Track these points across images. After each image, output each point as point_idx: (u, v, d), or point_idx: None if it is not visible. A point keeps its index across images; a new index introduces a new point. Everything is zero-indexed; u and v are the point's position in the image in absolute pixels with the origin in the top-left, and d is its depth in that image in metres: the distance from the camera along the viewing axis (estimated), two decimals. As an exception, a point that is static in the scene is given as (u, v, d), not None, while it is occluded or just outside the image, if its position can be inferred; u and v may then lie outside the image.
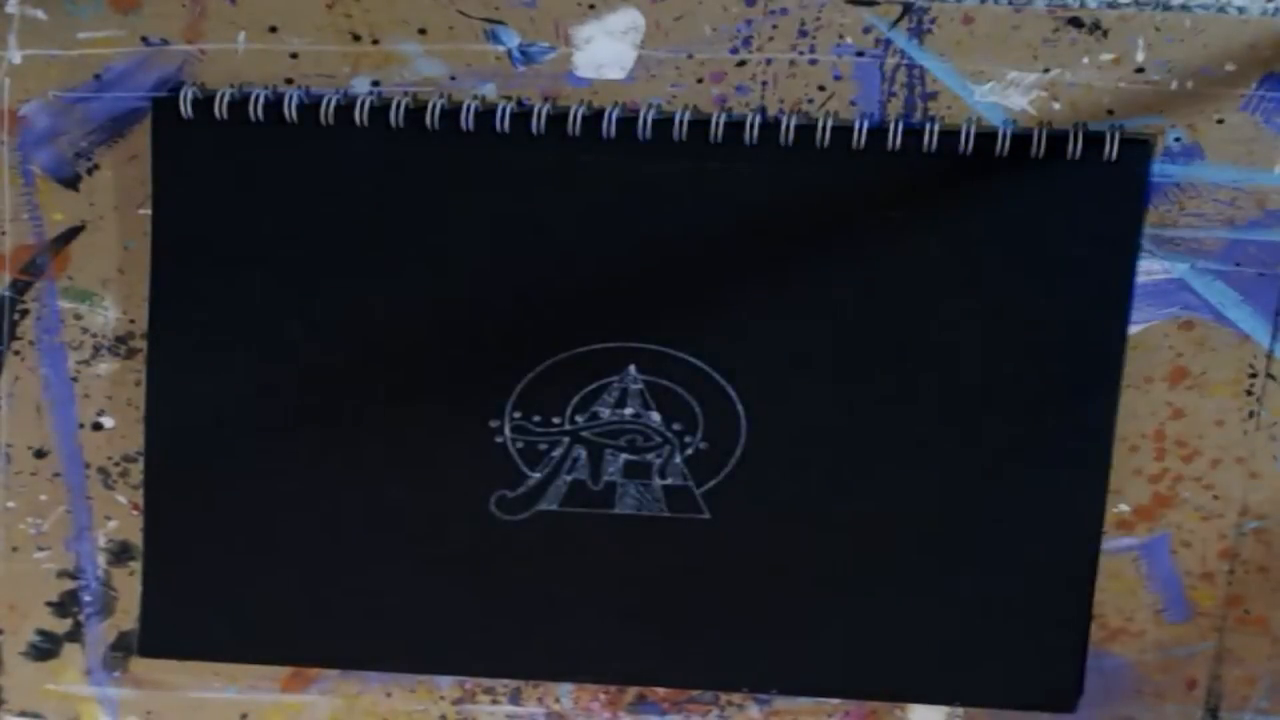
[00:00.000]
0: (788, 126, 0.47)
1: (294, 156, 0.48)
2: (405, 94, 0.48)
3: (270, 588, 0.51)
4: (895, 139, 0.46)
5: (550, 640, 0.51)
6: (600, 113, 0.47)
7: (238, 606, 0.51)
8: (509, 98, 0.48)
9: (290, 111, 0.48)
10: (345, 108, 0.48)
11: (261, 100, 0.48)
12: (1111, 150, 0.46)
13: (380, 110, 0.48)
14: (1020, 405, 0.48)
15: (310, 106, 0.48)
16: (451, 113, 0.47)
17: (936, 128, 0.46)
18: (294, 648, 0.52)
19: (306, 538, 0.50)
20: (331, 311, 0.49)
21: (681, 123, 0.47)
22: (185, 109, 0.48)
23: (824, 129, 0.46)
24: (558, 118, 0.47)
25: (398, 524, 0.50)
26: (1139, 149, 0.46)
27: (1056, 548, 0.49)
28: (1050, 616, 0.49)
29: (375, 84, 0.48)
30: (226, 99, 0.48)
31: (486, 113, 0.47)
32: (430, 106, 0.47)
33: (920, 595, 0.49)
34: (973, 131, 0.46)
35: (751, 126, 0.47)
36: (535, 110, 0.47)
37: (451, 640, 0.51)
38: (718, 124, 0.47)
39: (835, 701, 0.52)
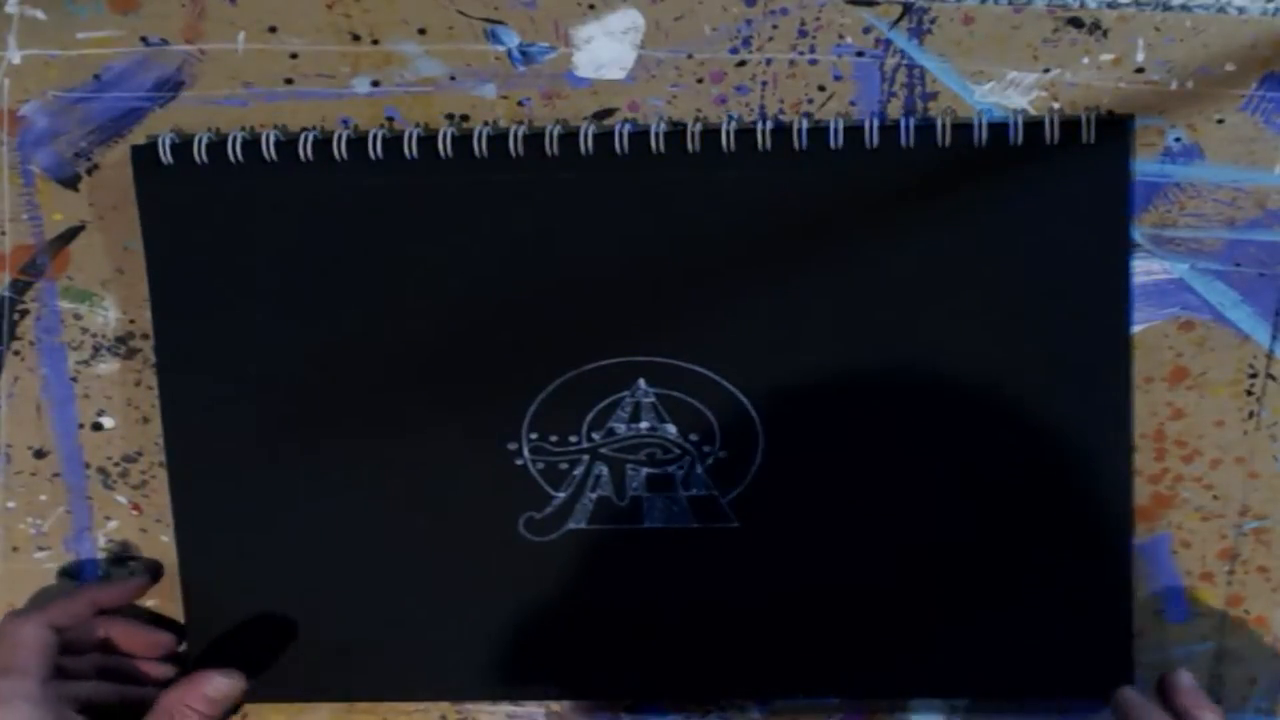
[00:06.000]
0: (799, 130, 0.46)
1: (283, 191, 0.48)
2: (381, 130, 0.48)
3: (314, 625, 0.51)
4: (909, 135, 0.46)
5: (590, 659, 0.51)
6: (610, 132, 0.47)
7: (281, 646, 0.51)
8: (506, 97, 0.48)
9: (269, 150, 0.48)
10: (322, 142, 0.48)
11: (239, 141, 0.48)
12: (1126, 139, 0.46)
13: (357, 142, 0.48)
14: (1034, 394, 0.48)
15: (288, 143, 0.48)
16: (462, 140, 0.47)
17: (949, 122, 0.46)
18: (341, 684, 0.52)
19: (341, 576, 0.51)
20: (337, 345, 0.49)
21: (693, 134, 0.47)
22: (164, 155, 0.48)
23: (835, 131, 0.46)
24: (533, 137, 0.47)
25: (431, 554, 0.50)
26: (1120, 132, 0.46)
27: (1088, 536, 0.48)
28: (1091, 606, 0.49)
29: (375, 84, 0.48)
30: (204, 142, 0.48)
31: (463, 138, 0.47)
32: (442, 134, 0.47)
33: (962, 592, 0.49)
34: (984, 122, 0.46)
35: (763, 135, 0.47)
36: (511, 132, 0.47)
37: (493, 665, 0.51)
38: (729, 134, 0.47)
39: (834, 701, 0.52)
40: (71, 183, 0.50)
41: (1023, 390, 0.48)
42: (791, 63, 0.47)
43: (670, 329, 0.48)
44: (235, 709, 0.51)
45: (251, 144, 0.48)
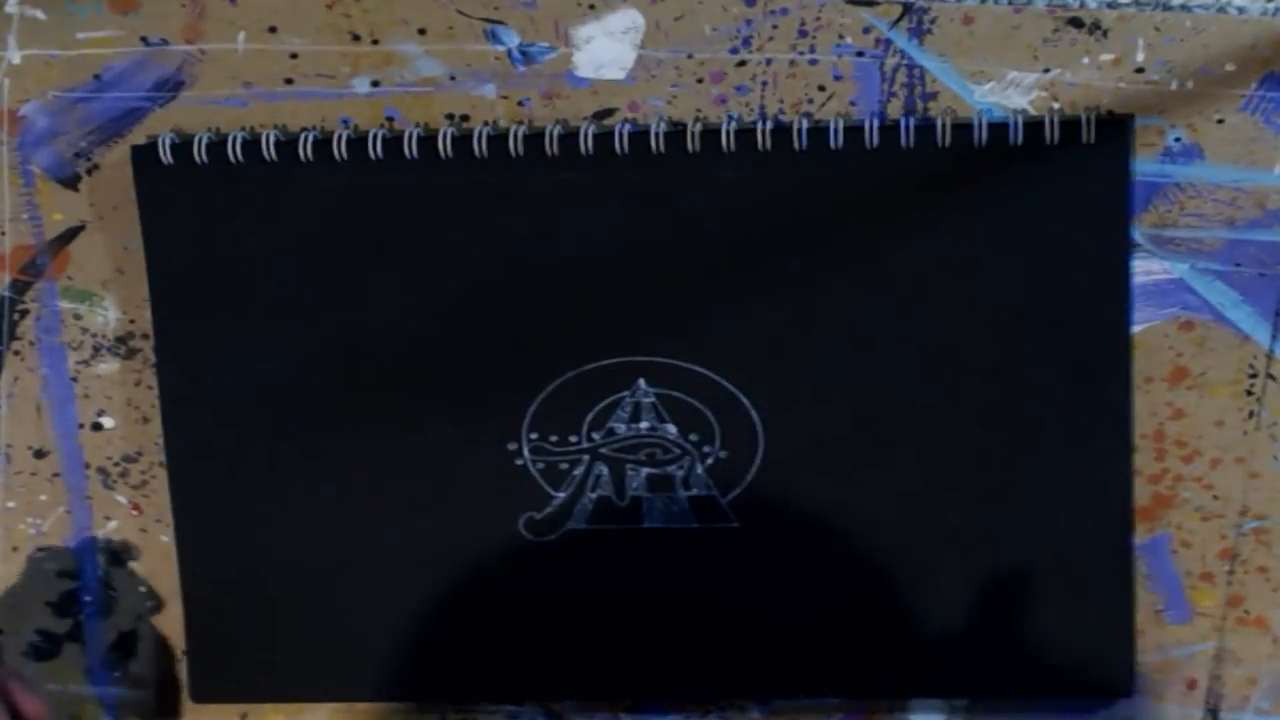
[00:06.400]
0: (799, 130, 0.46)
1: (283, 191, 0.48)
2: (381, 130, 0.48)
3: (314, 625, 0.51)
4: (909, 135, 0.46)
5: (590, 659, 0.51)
6: (610, 132, 0.47)
7: (278, 646, 0.51)
8: (506, 97, 0.48)
9: (269, 150, 0.48)
10: (323, 142, 0.48)
11: (239, 141, 0.48)
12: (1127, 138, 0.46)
13: (357, 142, 0.48)
14: (1034, 393, 0.48)
15: (288, 143, 0.48)
16: (462, 139, 0.47)
17: (949, 122, 0.46)
18: (341, 684, 0.52)
19: (341, 576, 0.51)
20: (337, 345, 0.49)
21: (693, 134, 0.47)
22: (165, 155, 0.48)
23: (835, 131, 0.46)
24: (533, 137, 0.47)
25: (431, 554, 0.50)
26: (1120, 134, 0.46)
27: (1088, 537, 0.48)
28: (1091, 606, 0.49)
29: (375, 84, 0.48)
30: (205, 142, 0.48)
31: (463, 138, 0.47)
32: (442, 134, 0.47)
33: (963, 592, 0.49)
34: (984, 122, 0.46)
35: (763, 135, 0.47)
36: (511, 132, 0.47)
37: (493, 665, 0.51)
38: (729, 134, 0.47)
39: (834, 701, 0.52)
40: (71, 183, 0.50)
41: (1023, 390, 0.48)
42: (791, 63, 0.47)
43: (670, 329, 0.48)
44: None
45: (251, 144, 0.48)
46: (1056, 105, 0.47)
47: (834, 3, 0.47)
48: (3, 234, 0.51)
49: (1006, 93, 0.47)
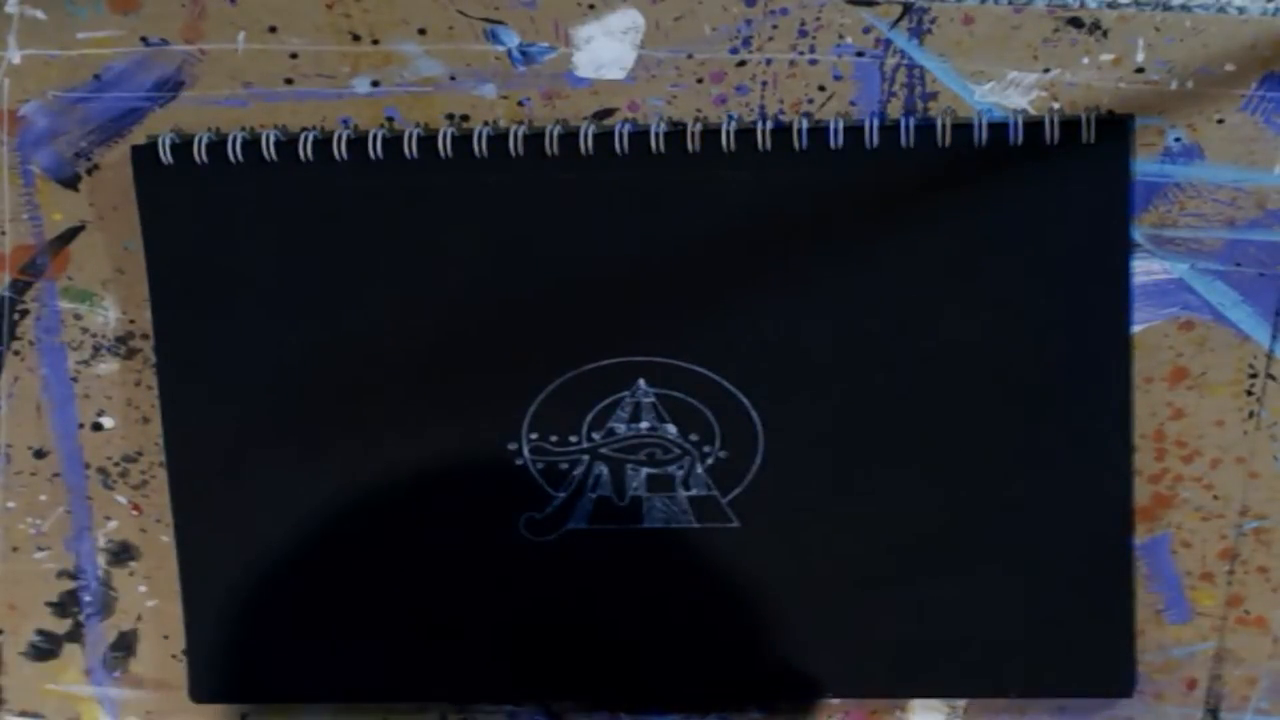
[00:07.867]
0: (799, 130, 0.46)
1: (283, 191, 0.48)
2: (381, 130, 0.48)
3: (313, 625, 0.51)
4: (909, 135, 0.46)
5: (590, 659, 0.51)
6: (610, 132, 0.47)
7: (281, 646, 0.51)
8: (506, 97, 0.48)
9: (269, 150, 0.48)
10: (323, 142, 0.48)
11: (239, 141, 0.48)
12: (1127, 138, 0.46)
13: (357, 142, 0.48)
14: (1034, 393, 0.48)
15: (288, 143, 0.48)
16: (462, 139, 0.47)
17: (949, 122, 0.46)
18: (341, 684, 0.52)
19: (341, 576, 0.51)
20: (337, 345, 0.49)
21: (693, 134, 0.47)
22: (165, 155, 0.48)
23: (835, 131, 0.46)
24: (533, 137, 0.47)
25: (430, 554, 0.50)
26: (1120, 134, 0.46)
27: (1088, 537, 0.48)
28: (1091, 606, 0.49)
29: (375, 84, 0.48)
30: (205, 142, 0.48)
31: (463, 138, 0.47)
32: (442, 134, 0.47)
33: (963, 592, 0.49)
34: (984, 122, 0.46)
35: (763, 135, 0.47)
36: (511, 132, 0.47)
37: (493, 665, 0.51)
38: (729, 134, 0.47)
39: (835, 701, 0.52)
40: (71, 183, 0.50)
41: (1023, 391, 0.48)
42: (791, 63, 0.47)
43: (670, 329, 0.48)
44: None
45: (251, 144, 0.48)
46: (1056, 105, 0.47)
47: (834, 3, 0.47)
48: (3, 234, 0.51)
49: (1006, 93, 0.47)
